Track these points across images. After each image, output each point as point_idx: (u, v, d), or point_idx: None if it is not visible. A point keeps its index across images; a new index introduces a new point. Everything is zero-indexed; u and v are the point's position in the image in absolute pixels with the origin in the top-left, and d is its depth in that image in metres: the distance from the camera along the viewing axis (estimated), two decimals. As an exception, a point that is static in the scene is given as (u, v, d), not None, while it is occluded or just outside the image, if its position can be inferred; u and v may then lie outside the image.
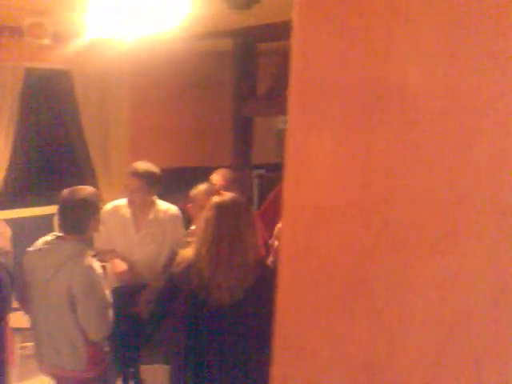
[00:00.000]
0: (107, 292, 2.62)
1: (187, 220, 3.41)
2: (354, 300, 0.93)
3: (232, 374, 2.36)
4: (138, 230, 3.25)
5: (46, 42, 4.26)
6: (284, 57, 4.60)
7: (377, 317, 0.89)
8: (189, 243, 2.47)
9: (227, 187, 3.32)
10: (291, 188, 1.05)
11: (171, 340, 2.61)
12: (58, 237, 2.62)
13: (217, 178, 3.54)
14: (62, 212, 2.59)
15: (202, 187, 3.02)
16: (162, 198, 3.47)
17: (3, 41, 4.69)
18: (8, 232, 4.36)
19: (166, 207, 3.35)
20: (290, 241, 1.06)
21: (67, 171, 6.03)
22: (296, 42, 1.02)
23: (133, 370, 3.46)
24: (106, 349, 2.75)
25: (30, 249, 2.66)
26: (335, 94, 0.93)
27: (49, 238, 2.65)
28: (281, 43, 4.69)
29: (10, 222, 4.50)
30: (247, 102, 4.95)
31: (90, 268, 2.48)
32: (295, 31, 1.02)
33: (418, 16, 0.81)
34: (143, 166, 3.16)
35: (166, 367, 2.69)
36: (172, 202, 3.48)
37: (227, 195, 2.42)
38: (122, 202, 3.34)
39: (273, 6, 3.51)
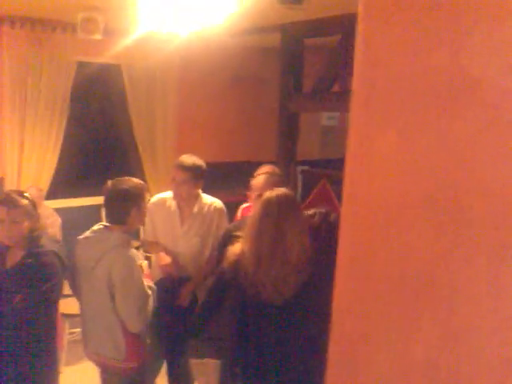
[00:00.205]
0: (146, 284, 2.61)
1: (232, 213, 3.49)
2: (421, 306, 0.88)
3: (282, 371, 2.32)
4: (182, 222, 3.25)
5: (98, 37, 4.36)
6: (331, 52, 4.75)
7: (445, 323, 0.84)
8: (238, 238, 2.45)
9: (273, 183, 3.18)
10: (353, 185, 1.01)
11: (222, 335, 2.61)
12: (105, 226, 2.65)
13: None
14: (106, 203, 2.63)
15: (261, 177, 2.98)
16: (206, 191, 3.46)
17: (56, 36, 4.88)
18: (58, 221, 4.44)
19: (210, 201, 3.34)
20: (349, 239, 1.01)
21: (115, 163, 6.25)
22: (361, 35, 0.98)
23: (178, 363, 3.40)
24: (147, 341, 2.75)
25: (80, 237, 2.69)
26: (404, 87, 0.89)
27: (96, 227, 2.68)
28: (328, 39, 4.80)
29: (60, 212, 4.63)
30: (293, 98, 4.96)
31: (130, 259, 2.50)
32: (361, 23, 0.98)
33: (498, 7, 0.76)
34: (190, 159, 3.17)
35: (217, 362, 2.71)
36: (217, 196, 3.49)
37: (277, 191, 2.34)
38: (168, 194, 3.34)
39: (322, 0, 3.45)
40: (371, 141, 0.95)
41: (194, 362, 3.53)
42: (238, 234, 2.43)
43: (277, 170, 3.48)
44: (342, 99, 4.40)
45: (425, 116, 0.86)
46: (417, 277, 0.89)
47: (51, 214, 4.64)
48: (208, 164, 3.33)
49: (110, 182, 2.64)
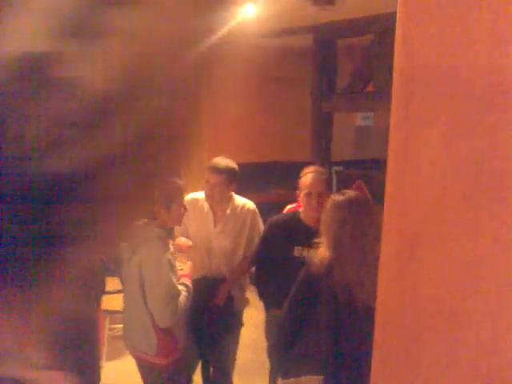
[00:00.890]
0: (183, 282, 2.65)
1: (268, 214, 3.47)
2: (469, 306, 0.84)
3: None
4: (215, 224, 3.26)
5: None
6: (364, 52, 4.81)
7: (494, 324, 0.82)
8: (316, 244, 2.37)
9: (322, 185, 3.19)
10: (396, 187, 0.99)
11: (317, 348, 2.42)
12: (143, 222, 2.68)
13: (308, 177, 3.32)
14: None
15: (310, 175, 2.94)
16: (238, 192, 3.44)
17: None
18: None
19: (243, 202, 3.33)
20: (393, 239, 0.99)
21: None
22: (400, 32, 0.97)
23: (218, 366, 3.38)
24: (179, 338, 2.73)
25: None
26: (445, 85, 0.87)
27: (140, 222, 2.70)
28: (361, 39, 4.83)
29: None
30: (326, 98, 5.03)
31: (160, 253, 2.52)
32: (399, 20, 0.97)
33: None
34: (223, 162, 3.18)
35: (317, 378, 2.48)
36: (249, 197, 3.52)
37: (351, 192, 2.36)
38: (201, 194, 3.36)
39: (354, 1, 3.52)
40: (413, 139, 0.93)
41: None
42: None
43: (324, 171, 3.41)
44: (376, 99, 4.46)
45: (467, 114, 0.84)
46: (464, 274, 0.87)
47: None
48: (240, 165, 3.33)
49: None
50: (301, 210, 3.01)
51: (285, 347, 2.52)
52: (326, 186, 2.95)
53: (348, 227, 2.20)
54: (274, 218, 3.11)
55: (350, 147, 7.19)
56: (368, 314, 1.50)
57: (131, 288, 2.62)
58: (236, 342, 3.31)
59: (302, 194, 2.91)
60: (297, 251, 2.88)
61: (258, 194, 3.62)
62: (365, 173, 5.10)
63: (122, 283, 2.77)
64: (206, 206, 3.30)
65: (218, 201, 3.24)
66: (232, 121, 6.52)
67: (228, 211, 3.26)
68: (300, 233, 2.88)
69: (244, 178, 3.33)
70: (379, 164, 6.20)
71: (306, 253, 2.74)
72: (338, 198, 2.30)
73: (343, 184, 3.91)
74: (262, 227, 3.32)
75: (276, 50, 6.22)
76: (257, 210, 3.37)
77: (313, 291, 2.32)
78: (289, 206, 3.66)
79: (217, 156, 3.31)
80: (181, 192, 2.73)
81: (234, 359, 3.34)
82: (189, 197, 3.35)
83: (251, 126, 6.79)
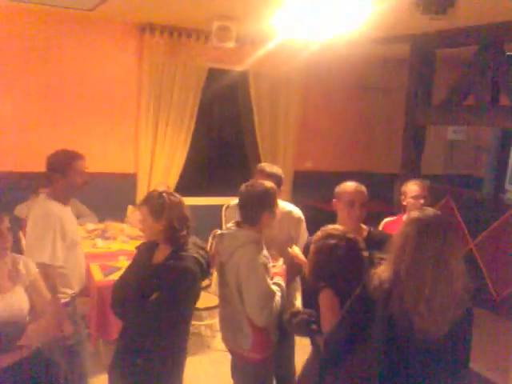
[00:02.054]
0: (276, 282, 2.67)
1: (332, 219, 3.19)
2: None
3: None
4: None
5: (231, 45, 5.04)
6: (465, 64, 4.72)
7: None
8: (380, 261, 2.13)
9: (426, 197, 3.50)
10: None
11: (363, 367, 2.18)
12: (238, 225, 2.74)
13: (415, 188, 3.55)
14: (242, 205, 2.69)
15: (349, 183, 2.86)
16: (323, 201, 3.96)
17: (191, 43, 5.36)
18: None
19: (289, 209, 3.26)
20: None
21: (237, 166, 6.51)
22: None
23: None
24: (274, 337, 2.73)
25: (218, 232, 2.86)
26: None
27: (231, 225, 2.78)
28: (461, 50, 4.97)
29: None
30: (421, 110, 5.07)
31: (256, 257, 2.57)
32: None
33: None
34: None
35: None
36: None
37: (429, 211, 2.05)
38: None
39: (466, 10, 3.56)
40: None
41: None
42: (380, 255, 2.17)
43: (427, 184, 3.68)
44: (476, 113, 4.43)
45: None
46: None
47: None
48: (326, 173, 4.16)
49: (244, 186, 2.72)
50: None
51: (330, 364, 2.28)
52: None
53: (410, 248, 1.94)
54: (315, 237, 2.68)
55: (440, 161, 7.06)
56: (429, 346, 1.89)
57: (227, 288, 2.70)
58: (292, 347, 3.32)
59: (340, 204, 2.83)
60: None
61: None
62: (453, 189, 5.14)
63: (219, 284, 2.83)
64: None
65: None
66: (321, 129, 6.55)
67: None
68: None
69: (330, 187, 3.11)
70: (469, 181, 6.60)
71: None
72: (414, 213, 2.06)
73: (430, 199, 3.77)
74: (306, 235, 3.18)
75: (369, 58, 6.09)
76: (302, 218, 3.26)
77: (368, 313, 2.06)
78: (386, 220, 3.73)
79: (304, 164, 4.49)
80: (275, 197, 2.73)
81: (293, 364, 3.34)
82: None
83: (340, 135, 6.69)
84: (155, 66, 5.40)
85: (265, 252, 2.68)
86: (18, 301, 2.16)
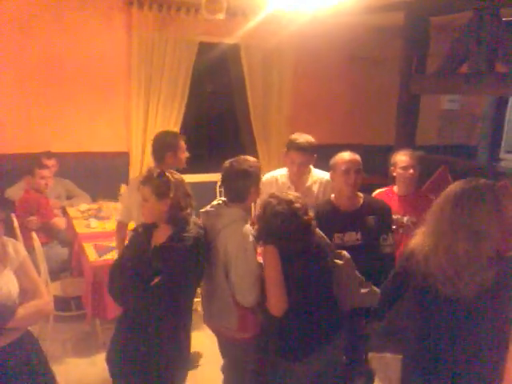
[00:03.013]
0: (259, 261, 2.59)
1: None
2: None
3: (463, 370, 2.10)
4: None
5: (221, 17, 5.04)
6: (460, 31, 4.50)
7: None
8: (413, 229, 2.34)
9: (415, 167, 3.40)
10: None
11: (403, 329, 2.36)
12: (224, 202, 2.70)
13: (404, 158, 3.46)
14: (226, 181, 2.65)
15: (343, 153, 2.95)
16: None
17: (180, 16, 5.30)
18: None
19: (321, 175, 3.45)
20: None
21: (230, 141, 6.48)
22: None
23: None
24: (259, 316, 2.66)
25: (202, 210, 2.76)
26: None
27: (215, 202, 2.74)
28: (455, 16, 4.86)
29: None
30: (415, 79, 4.91)
31: (245, 234, 2.50)
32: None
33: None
34: (306, 141, 3.26)
35: (398, 357, 2.53)
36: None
37: (476, 181, 2.06)
38: (279, 172, 3.51)
39: None
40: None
41: (372, 356, 3.54)
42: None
43: (418, 153, 3.65)
44: (471, 81, 4.26)
45: None
46: None
47: None
48: (320, 146, 3.41)
49: (228, 162, 2.67)
50: (333, 196, 3.02)
51: (378, 315, 2.59)
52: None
53: (448, 218, 2.01)
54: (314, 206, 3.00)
55: (434, 132, 6.90)
56: (460, 308, 2.01)
57: (213, 268, 2.61)
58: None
59: (335, 175, 2.94)
60: (337, 238, 2.85)
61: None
62: (448, 159, 5.04)
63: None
64: (286, 181, 3.44)
65: (302, 176, 3.40)
66: (314, 101, 6.46)
67: (309, 183, 3.43)
68: (337, 219, 2.88)
69: (324, 160, 3.20)
70: (464, 150, 6.63)
71: (346, 238, 2.85)
72: (458, 183, 2.10)
73: (426, 170, 3.70)
74: None
75: (361, 27, 5.95)
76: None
77: (405, 276, 2.22)
78: (377, 191, 3.71)
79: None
80: (260, 173, 2.71)
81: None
82: (266, 176, 3.50)
83: (334, 107, 6.60)
84: (144, 41, 5.29)
85: (251, 228, 2.60)
86: (6, 284, 2.12)
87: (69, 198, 5.15)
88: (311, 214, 2.48)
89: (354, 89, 6.58)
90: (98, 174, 5.24)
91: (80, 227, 4.43)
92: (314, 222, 2.45)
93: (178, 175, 2.50)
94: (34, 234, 3.84)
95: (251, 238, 2.52)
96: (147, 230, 2.50)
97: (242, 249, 2.50)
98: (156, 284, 2.28)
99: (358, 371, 3.23)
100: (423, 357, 2.20)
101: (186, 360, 2.54)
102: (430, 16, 4.76)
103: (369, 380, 3.37)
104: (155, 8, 5.21)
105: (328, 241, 2.61)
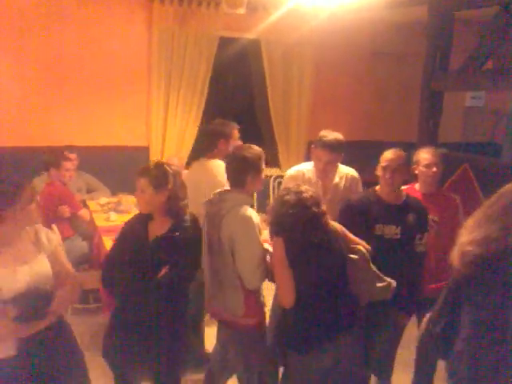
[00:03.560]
0: (263, 244, 2.65)
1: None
2: None
3: None
4: (325, 192, 3.29)
5: (242, 11, 5.06)
6: (485, 26, 4.49)
7: None
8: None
9: (438, 165, 3.27)
10: None
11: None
12: (227, 190, 2.75)
13: (427, 156, 3.32)
14: (226, 167, 2.74)
15: (389, 150, 2.95)
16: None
17: (201, 11, 5.25)
18: None
19: (347, 171, 3.45)
20: None
21: (249, 136, 6.00)
22: None
23: None
24: (263, 300, 2.73)
25: (206, 200, 2.84)
26: None
27: (219, 190, 2.78)
28: (481, 11, 4.71)
29: None
30: (438, 76, 4.84)
31: (248, 217, 2.55)
32: None
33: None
34: (334, 139, 3.20)
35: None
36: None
37: None
38: (305, 166, 3.46)
39: None
40: None
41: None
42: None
43: (440, 151, 3.51)
44: (496, 78, 4.16)
45: None
46: None
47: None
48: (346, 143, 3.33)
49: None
50: (378, 187, 3.00)
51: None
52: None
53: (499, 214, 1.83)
54: (353, 196, 3.10)
55: (458, 129, 6.81)
56: None
57: (218, 253, 2.63)
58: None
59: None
60: (378, 229, 2.85)
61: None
62: (471, 157, 4.93)
63: (208, 252, 2.72)
64: (313, 176, 3.37)
65: (329, 173, 3.35)
66: (335, 97, 6.40)
67: (336, 179, 3.39)
68: (380, 210, 2.89)
69: (346, 156, 3.26)
70: (488, 148, 6.63)
71: (387, 231, 2.85)
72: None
73: (448, 168, 3.63)
74: None
75: (383, 23, 5.84)
76: (359, 178, 3.47)
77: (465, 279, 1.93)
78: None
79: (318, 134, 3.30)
80: (262, 159, 2.74)
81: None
82: (292, 170, 3.48)
83: (355, 104, 6.50)
84: (165, 36, 5.32)
85: (255, 212, 2.65)
86: (42, 268, 2.20)
87: (89, 191, 5.20)
88: (324, 207, 2.46)
89: (375, 85, 6.50)
90: (117, 168, 5.26)
91: (100, 220, 4.46)
92: (326, 217, 2.45)
93: (174, 165, 2.52)
94: (54, 227, 3.88)
95: (255, 222, 2.57)
96: (141, 222, 2.49)
97: (244, 232, 2.55)
98: (164, 276, 2.29)
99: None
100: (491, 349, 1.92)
101: (186, 346, 2.56)
102: (454, 11, 4.67)
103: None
104: (176, 2, 5.23)
105: (347, 233, 2.61)
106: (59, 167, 4.47)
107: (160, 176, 2.39)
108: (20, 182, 2.16)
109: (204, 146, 3.68)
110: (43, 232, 2.31)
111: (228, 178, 2.75)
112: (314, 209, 2.38)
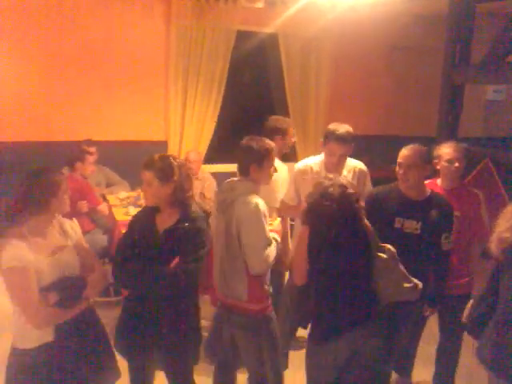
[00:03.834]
0: (272, 236, 2.74)
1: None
2: None
3: None
4: None
5: (260, 5, 5.06)
6: (507, 18, 4.40)
7: None
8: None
9: (460, 160, 3.21)
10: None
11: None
12: (237, 179, 2.79)
13: (449, 150, 3.25)
14: (235, 155, 2.78)
15: (406, 147, 2.94)
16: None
17: (219, 5, 5.20)
18: (213, 184, 5.02)
19: (355, 164, 3.45)
20: None
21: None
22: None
23: None
24: (268, 288, 2.78)
25: (218, 187, 2.99)
26: None
27: (229, 179, 2.83)
28: (503, 3, 4.69)
29: (216, 175, 5.20)
30: (459, 69, 4.74)
31: (254, 205, 2.60)
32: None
33: None
34: (346, 132, 3.20)
35: None
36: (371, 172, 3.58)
37: None
38: (313, 160, 3.47)
39: None
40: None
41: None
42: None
43: (464, 146, 3.43)
44: None
45: None
46: None
47: (208, 177, 5.13)
48: (359, 137, 3.36)
49: (245, 138, 2.78)
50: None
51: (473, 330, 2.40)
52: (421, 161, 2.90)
53: None
54: (375, 189, 3.17)
55: (479, 123, 6.62)
56: None
57: (225, 238, 2.70)
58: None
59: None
60: (398, 222, 2.87)
61: (372, 168, 3.60)
62: (494, 152, 4.81)
63: (217, 237, 2.80)
64: (321, 170, 3.38)
65: (339, 167, 3.33)
66: (353, 92, 6.34)
67: (345, 173, 3.38)
68: (401, 204, 2.90)
69: (364, 152, 3.28)
70: (509, 143, 6.39)
71: (407, 225, 2.87)
72: None
73: (469, 163, 3.51)
74: (371, 188, 3.40)
75: (403, 16, 5.73)
76: (367, 171, 3.47)
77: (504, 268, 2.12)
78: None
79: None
80: (272, 152, 2.76)
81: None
82: (300, 164, 3.52)
83: (374, 98, 6.43)
84: (183, 30, 5.32)
85: (261, 200, 2.69)
86: (71, 256, 2.30)
87: (108, 185, 5.23)
88: (362, 203, 2.49)
89: (395, 79, 6.42)
90: (136, 163, 5.25)
91: (119, 215, 4.48)
92: (362, 212, 2.45)
93: (179, 158, 2.54)
94: (75, 220, 3.91)
95: (261, 209, 2.62)
96: (149, 214, 2.52)
97: (249, 219, 2.62)
98: (177, 266, 2.33)
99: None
100: None
101: (197, 333, 2.58)
102: (475, 3, 4.59)
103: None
104: (194, -3, 5.21)
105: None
106: (84, 161, 4.54)
107: (165, 168, 2.40)
108: (62, 172, 2.25)
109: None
110: (67, 223, 2.39)
111: (237, 167, 2.81)
112: (356, 205, 2.40)
